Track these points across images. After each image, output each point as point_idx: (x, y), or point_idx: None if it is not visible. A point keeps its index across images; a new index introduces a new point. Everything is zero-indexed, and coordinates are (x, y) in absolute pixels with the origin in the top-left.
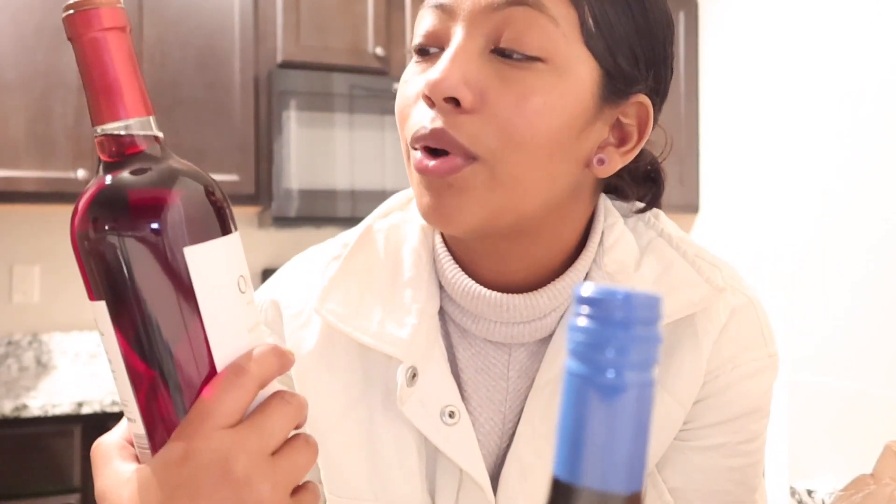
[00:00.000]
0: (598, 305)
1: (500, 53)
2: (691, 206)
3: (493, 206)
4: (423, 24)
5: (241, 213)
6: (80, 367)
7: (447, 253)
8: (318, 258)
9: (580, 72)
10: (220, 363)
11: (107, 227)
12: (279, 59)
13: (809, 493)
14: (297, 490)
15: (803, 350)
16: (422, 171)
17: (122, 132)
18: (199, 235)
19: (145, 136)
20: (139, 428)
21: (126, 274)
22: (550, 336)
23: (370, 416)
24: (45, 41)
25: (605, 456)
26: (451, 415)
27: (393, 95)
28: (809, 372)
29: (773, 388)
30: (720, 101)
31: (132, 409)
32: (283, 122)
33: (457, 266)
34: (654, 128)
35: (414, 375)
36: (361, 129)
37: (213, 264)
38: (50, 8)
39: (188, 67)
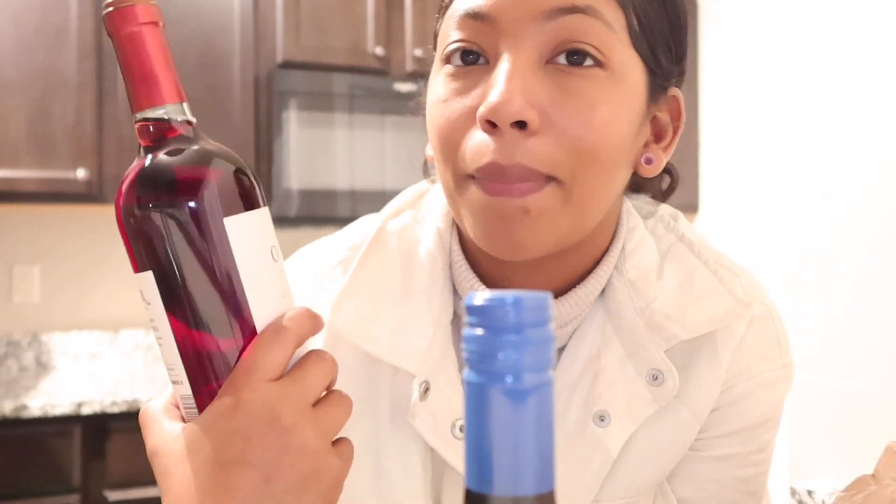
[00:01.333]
0: (489, 313)
1: (557, 64)
2: (691, 206)
3: (566, 229)
4: (454, 34)
5: None
6: (80, 367)
7: (464, 260)
8: (322, 262)
9: (633, 75)
10: (260, 324)
11: (151, 203)
12: (279, 59)
13: (809, 493)
14: (335, 442)
15: (803, 350)
16: (498, 193)
17: (160, 117)
18: (235, 208)
19: (180, 121)
20: (185, 389)
21: (171, 244)
22: (564, 346)
23: (376, 427)
24: (45, 41)
25: (512, 461)
26: (462, 428)
27: (393, 95)
28: (809, 372)
29: (786, 398)
30: (720, 101)
31: (179, 372)
32: (283, 122)
33: (475, 276)
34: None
35: (427, 389)
36: (361, 129)
37: (249, 234)
38: (50, 8)
39: (188, 67)
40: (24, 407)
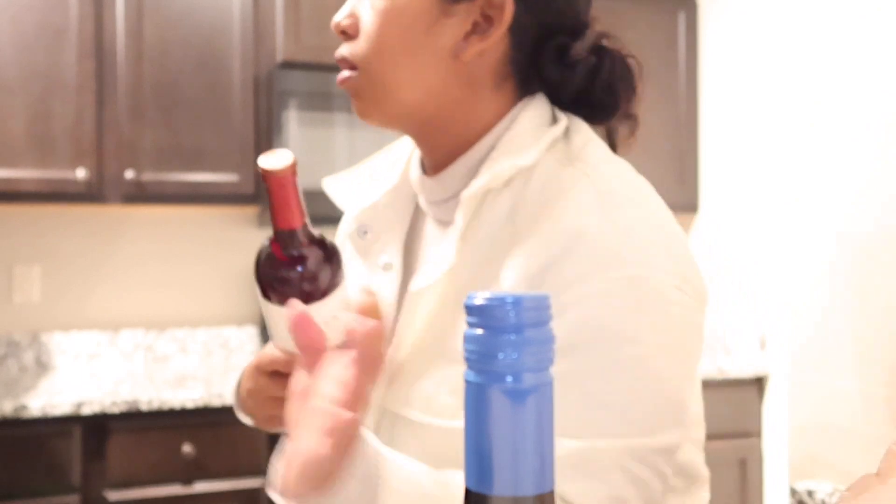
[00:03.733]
0: (488, 313)
1: None
2: (691, 206)
3: (381, 102)
4: None
5: (241, 213)
6: (80, 367)
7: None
8: None
9: None
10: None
11: (283, 265)
12: (279, 58)
13: (809, 493)
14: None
15: (804, 350)
16: (339, 81)
17: (288, 232)
18: (339, 274)
19: (301, 231)
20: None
21: (295, 290)
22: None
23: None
24: (45, 41)
25: (512, 461)
26: (387, 267)
27: None
28: (809, 372)
29: (644, 313)
30: (720, 101)
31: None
32: (283, 122)
33: (419, 160)
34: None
35: (365, 232)
36: (361, 129)
37: (340, 289)
38: (50, 8)
39: (188, 67)
40: (24, 407)
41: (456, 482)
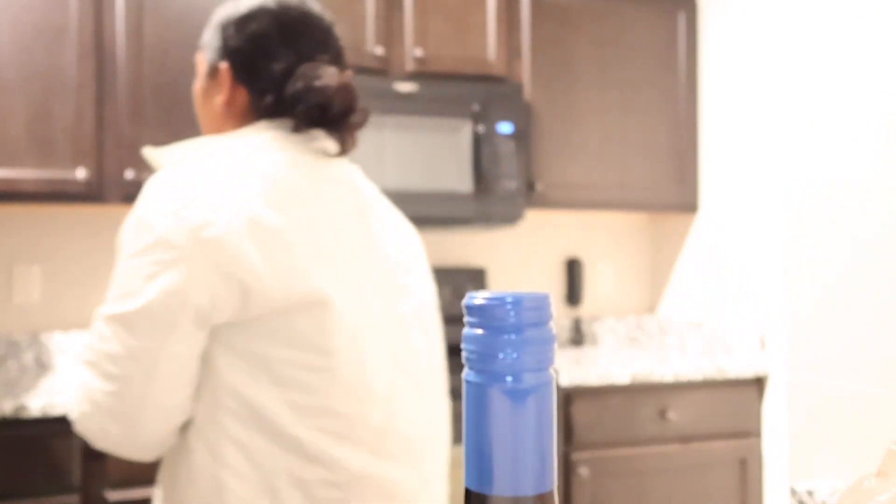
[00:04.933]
0: (489, 313)
1: None
2: (691, 206)
3: (203, 132)
4: None
5: None
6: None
7: None
8: None
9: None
10: None
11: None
12: None
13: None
14: None
15: (804, 350)
16: None
17: None
18: None
19: None
20: None
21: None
22: None
23: None
24: (45, 41)
25: (512, 461)
26: None
27: (393, 95)
28: (809, 372)
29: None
30: (720, 101)
31: None
32: None
33: None
34: None
35: None
36: (361, 130)
37: None
38: (50, 8)
39: (188, 67)
40: (24, 407)
41: None
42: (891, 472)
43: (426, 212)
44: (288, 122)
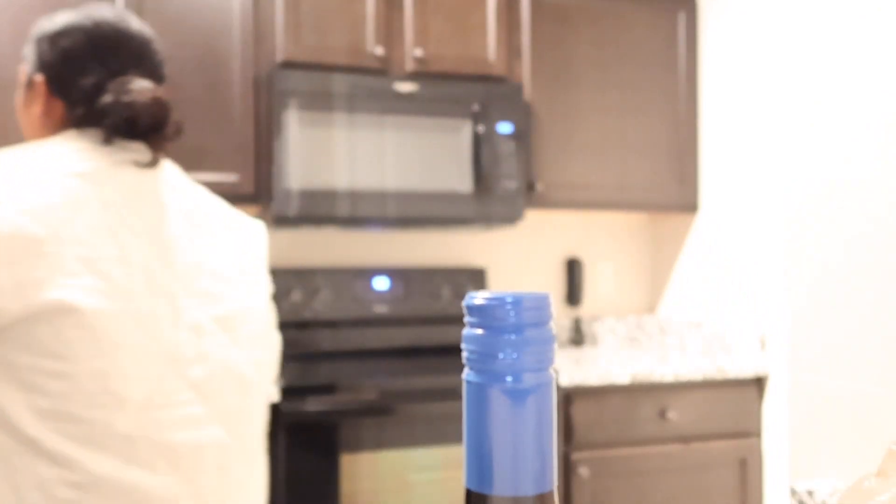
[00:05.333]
0: (488, 313)
1: None
2: (691, 206)
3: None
4: None
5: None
6: None
7: None
8: None
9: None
10: None
11: None
12: (279, 59)
13: (809, 493)
14: None
15: (804, 349)
16: None
17: None
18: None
19: None
20: None
21: None
22: None
23: None
24: None
25: (512, 461)
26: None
27: (393, 95)
28: (809, 372)
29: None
30: (720, 101)
31: None
32: (283, 122)
33: None
34: None
35: None
36: (361, 129)
37: None
38: (50, 8)
39: (188, 67)
40: None
41: None
42: (891, 472)
43: (426, 212)
44: (98, 133)
